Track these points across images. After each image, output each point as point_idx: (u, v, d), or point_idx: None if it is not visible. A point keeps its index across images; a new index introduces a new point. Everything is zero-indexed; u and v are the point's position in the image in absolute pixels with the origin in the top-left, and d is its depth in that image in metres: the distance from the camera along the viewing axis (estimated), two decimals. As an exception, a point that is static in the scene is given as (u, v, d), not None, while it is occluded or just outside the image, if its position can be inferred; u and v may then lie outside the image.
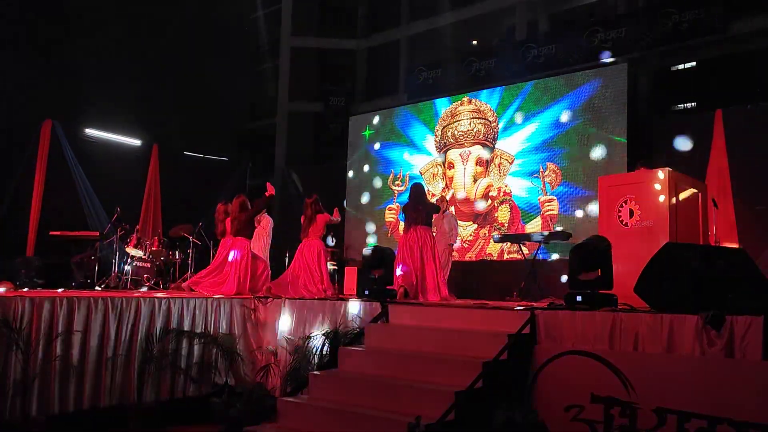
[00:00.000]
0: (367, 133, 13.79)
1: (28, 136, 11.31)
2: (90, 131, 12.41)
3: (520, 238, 10.09)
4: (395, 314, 6.10)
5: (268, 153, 17.59)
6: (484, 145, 12.01)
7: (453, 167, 12.35)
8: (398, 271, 7.42)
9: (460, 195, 12.04)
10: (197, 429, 5.99)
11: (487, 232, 11.63)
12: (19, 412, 5.24)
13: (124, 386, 5.93)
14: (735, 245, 8.67)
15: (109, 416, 5.77)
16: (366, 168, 13.75)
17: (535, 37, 13.55)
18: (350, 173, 14.04)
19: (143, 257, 9.60)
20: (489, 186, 11.80)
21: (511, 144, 11.63)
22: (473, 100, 12.31)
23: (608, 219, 6.54)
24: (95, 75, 12.85)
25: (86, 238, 9.73)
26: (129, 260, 9.45)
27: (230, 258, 7.94)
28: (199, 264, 10.10)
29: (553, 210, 10.90)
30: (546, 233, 9.76)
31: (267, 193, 8.51)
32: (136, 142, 13.07)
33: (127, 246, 9.64)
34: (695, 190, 6.80)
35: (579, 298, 5.22)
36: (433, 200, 10.06)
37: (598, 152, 10.55)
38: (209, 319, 6.78)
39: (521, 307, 5.49)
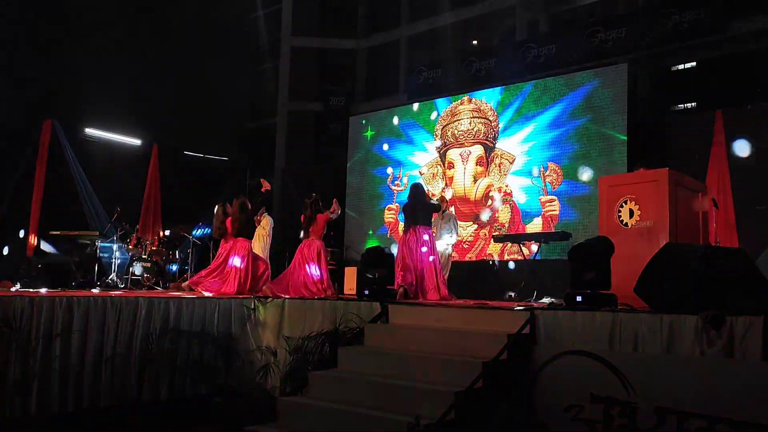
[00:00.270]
0: (369, 134, 13.78)
1: (28, 135, 11.32)
2: (90, 131, 12.43)
3: (519, 238, 10.09)
4: (395, 314, 6.09)
5: (268, 153, 17.58)
6: (484, 145, 12.01)
7: (453, 167, 12.35)
8: (398, 271, 7.41)
9: (461, 194, 12.05)
10: (197, 429, 5.97)
11: (487, 232, 11.63)
12: (18, 411, 5.24)
13: (123, 386, 5.92)
14: (735, 245, 8.67)
15: (109, 416, 5.76)
16: (366, 168, 13.75)
17: (535, 37, 13.55)
18: (350, 173, 14.04)
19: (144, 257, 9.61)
20: (489, 186, 11.80)
21: (512, 144, 11.63)
22: (473, 99, 12.31)
23: (608, 219, 6.54)
24: (95, 75, 12.87)
25: (86, 237, 9.73)
26: (133, 260, 9.46)
27: (230, 262, 7.94)
28: (199, 264, 10.11)
29: (554, 210, 10.89)
30: (546, 233, 9.75)
31: (262, 189, 8.53)
32: (136, 142, 13.09)
33: (128, 246, 9.64)
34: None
35: (579, 298, 5.22)
36: (434, 200, 10.05)
37: (598, 152, 10.55)
38: (209, 318, 6.77)
39: (521, 307, 5.49)
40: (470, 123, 12.25)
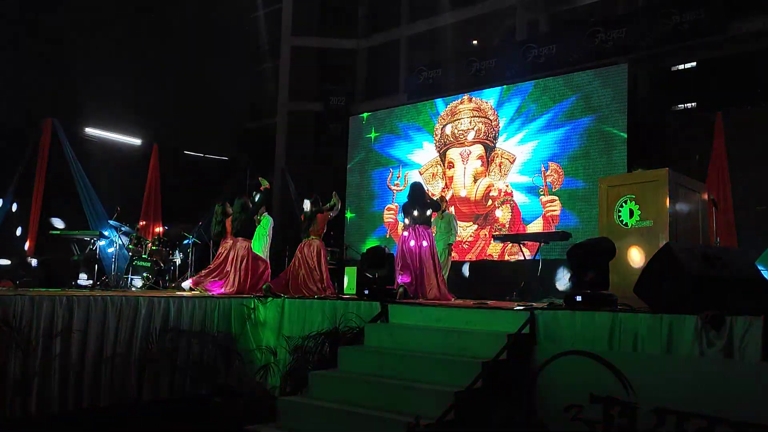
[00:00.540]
0: (373, 135, 13.77)
1: (28, 135, 11.32)
2: (90, 130, 12.43)
3: (519, 238, 10.08)
4: (395, 314, 6.10)
5: (268, 153, 17.58)
6: (484, 144, 12.01)
7: (453, 167, 12.35)
8: (397, 271, 7.41)
9: (461, 194, 12.04)
10: (197, 429, 5.97)
11: (487, 233, 11.63)
12: (18, 411, 5.24)
13: (123, 385, 5.93)
14: (735, 245, 8.68)
15: (109, 415, 5.76)
16: (366, 168, 13.75)
17: (535, 37, 13.56)
18: (350, 173, 14.04)
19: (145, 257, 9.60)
20: (489, 186, 11.80)
21: (512, 143, 11.63)
22: (473, 99, 12.31)
23: (608, 219, 6.54)
24: (95, 75, 12.87)
25: (86, 237, 9.73)
26: (133, 259, 9.45)
27: (231, 258, 7.94)
28: (199, 264, 10.11)
29: (554, 210, 10.88)
30: (546, 233, 9.75)
31: (261, 188, 8.54)
32: (137, 142, 13.09)
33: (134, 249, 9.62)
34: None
35: (579, 298, 5.22)
36: (434, 199, 10.04)
37: (598, 152, 10.55)
38: (209, 318, 6.78)
39: (521, 307, 5.49)
40: (470, 122, 12.24)
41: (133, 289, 8.79)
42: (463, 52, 14.72)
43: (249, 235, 8.25)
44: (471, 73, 13.82)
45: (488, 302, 6.84)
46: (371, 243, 12.81)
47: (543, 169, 11.11)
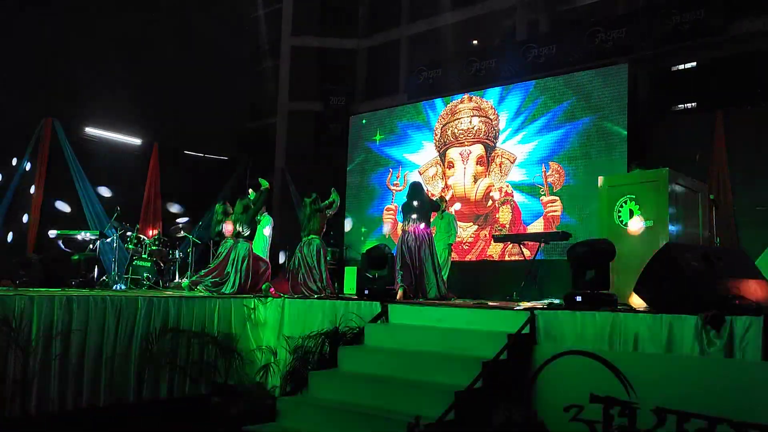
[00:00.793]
0: (377, 137, 13.74)
1: (28, 134, 11.32)
2: (90, 130, 12.42)
3: (519, 238, 10.08)
4: (395, 314, 6.10)
5: (268, 153, 17.57)
6: (485, 144, 12.00)
7: (453, 167, 12.34)
8: (397, 271, 7.41)
9: (460, 194, 12.03)
10: (197, 429, 5.97)
11: (487, 233, 11.62)
12: (18, 411, 5.23)
13: (122, 385, 5.92)
14: (735, 245, 8.68)
15: (108, 415, 5.75)
16: (365, 168, 13.74)
17: (535, 37, 13.55)
18: (350, 173, 14.03)
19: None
20: (490, 186, 11.79)
21: (513, 143, 11.62)
22: (474, 98, 12.31)
23: (608, 219, 6.54)
24: (95, 74, 12.85)
25: (86, 237, 9.72)
26: (133, 259, 9.46)
27: (232, 258, 7.94)
28: (199, 263, 10.10)
29: (555, 211, 10.86)
30: (546, 233, 9.74)
31: (261, 188, 8.56)
32: (137, 141, 13.08)
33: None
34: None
35: (579, 298, 5.22)
36: (434, 199, 10.04)
37: (598, 152, 10.54)
38: (209, 318, 6.77)
39: (521, 307, 5.49)
40: (470, 122, 12.24)
41: (137, 287, 8.79)
42: (463, 52, 14.71)
43: (250, 236, 8.25)
44: (471, 73, 13.82)
45: (488, 302, 6.84)
46: (371, 243, 12.81)
47: (544, 169, 11.10)
